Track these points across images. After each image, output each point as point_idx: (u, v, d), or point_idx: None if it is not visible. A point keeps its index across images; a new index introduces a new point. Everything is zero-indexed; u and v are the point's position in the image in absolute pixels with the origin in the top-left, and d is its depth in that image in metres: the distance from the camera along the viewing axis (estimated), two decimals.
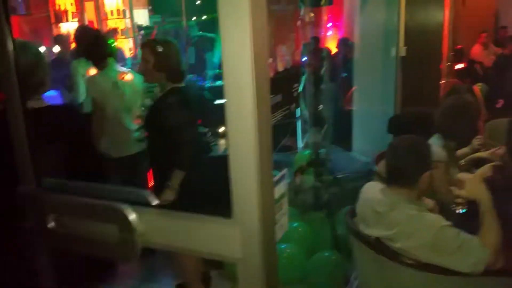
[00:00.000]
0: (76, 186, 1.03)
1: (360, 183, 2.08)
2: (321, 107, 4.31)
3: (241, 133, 0.73)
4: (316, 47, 4.45)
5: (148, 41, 2.70)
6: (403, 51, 3.94)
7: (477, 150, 2.70)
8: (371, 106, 4.37)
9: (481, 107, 5.50)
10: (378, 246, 1.83)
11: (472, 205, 1.83)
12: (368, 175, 2.84)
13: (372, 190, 1.96)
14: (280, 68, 1.79)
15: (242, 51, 0.69)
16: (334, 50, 7.62)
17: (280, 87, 1.86)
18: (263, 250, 0.76)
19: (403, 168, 1.82)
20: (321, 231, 3.08)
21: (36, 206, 1.00)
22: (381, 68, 4.20)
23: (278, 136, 4.46)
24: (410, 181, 1.81)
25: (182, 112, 2.32)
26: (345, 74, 5.49)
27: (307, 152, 3.82)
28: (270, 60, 1.71)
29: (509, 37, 7.63)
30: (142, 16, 7.52)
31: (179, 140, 2.27)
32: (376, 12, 4.13)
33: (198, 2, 6.61)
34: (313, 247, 2.95)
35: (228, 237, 0.79)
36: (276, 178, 0.93)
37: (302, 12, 3.66)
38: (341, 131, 4.91)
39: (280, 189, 0.96)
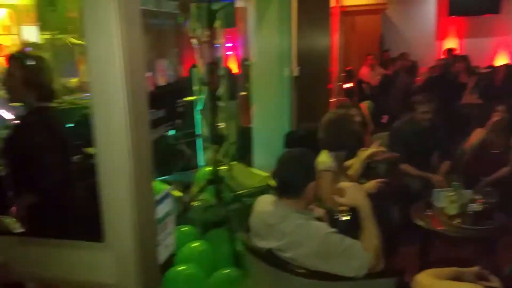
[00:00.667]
0: None
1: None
2: (222, 124, 4.41)
3: (111, 149, 0.72)
4: (214, 67, 4.57)
5: (16, 53, 2.39)
6: (296, 71, 4.23)
7: (360, 161, 3.00)
8: (269, 123, 4.58)
9: (368, 122, 6.13)
10: (269, 257, 1.89)
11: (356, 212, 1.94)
12: (266, 190, 2.93)
13: (264, 203, 2.04)
14: (161, 82, 1.81)
15: (110, 64, 0.67)
16: (235, 69, 7.89)
17: (162, 101, 1.87)
18: (141, 273, 0.73)
19: (290, 180, 1.91)
20: (222, 249, 3.06)
21: None
22: (276, 86, 4.44)
23: (178, 155, 4.45)
24: (297, 191, 1.90)
25: (46, 134, 2.06)
26: (245, 93, 5.68)
27: (207, 169, 3.86)
28: (149, 74, 1.71)
29: (390, 59, 8.64)
30: (30, 33, 6.95)
31: (42, 163, 1.98)
32: (269, 35, 4.37)
33: None
34: (214, 265, 2.93)
35: (101, 263, 0.75)
36: (158, 197, 0.94)
37: (197, 32, 3.78)
38: (242, 148, 5.06)
39: (163, 208, 0.97)
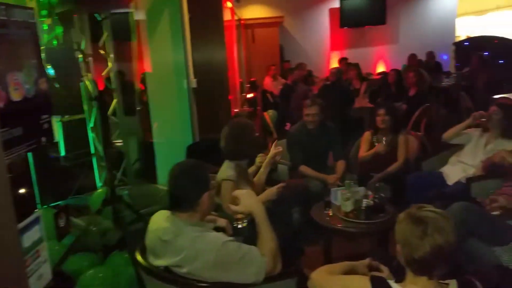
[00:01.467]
0: None
1: None
2: (119, 141, 4.20)
3: None
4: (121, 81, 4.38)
5: None
6: (194, 83, 4.19)
7: (259, 167, 3.03)
8: (171, 137, 4.46)
9: (272, 129, 6.30)
10: (166, 275, 1.81)
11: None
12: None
13: (159, 219, 1.94)
14: (16, 97, 1.63)
15: None
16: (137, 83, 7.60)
17: (18, 119, 1.69)
18: None
19: (181, 193, 1.84)
20: (124, 273, 2.89)
21: None
22: (175, 99, 4.36)
23: (74, 176, 4.13)
24: (190, 204, 1.84)
25: None
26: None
27: (103, 190, 3.63)
28: None
29: (289, 69, 9.03)
30: None
31: None
32: (163, 47, 4.30)
33: None
34: None
35: None
36: (23, 224, 0.83)
37: (82, 45, 3.57)
38: (147, 164, 4.86)
39: (32, 236, 0.85)
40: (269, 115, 6.45)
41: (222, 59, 4.89)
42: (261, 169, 2.91)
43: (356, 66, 7.51)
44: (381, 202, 2.91)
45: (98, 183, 4.26)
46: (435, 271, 1.43)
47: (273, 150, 2.92)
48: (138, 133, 5.12)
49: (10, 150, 1.64)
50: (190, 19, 4.26)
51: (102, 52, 4.09)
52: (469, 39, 10.71)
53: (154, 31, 4.40)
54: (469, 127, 3.51)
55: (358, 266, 1.81)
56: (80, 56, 3.75)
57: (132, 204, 3.48)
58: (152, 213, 3.06)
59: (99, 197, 3.59)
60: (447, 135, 3.58)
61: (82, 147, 4.13)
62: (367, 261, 1.82)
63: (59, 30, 3.32)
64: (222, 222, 2.42)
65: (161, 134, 4.55)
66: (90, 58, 3.79)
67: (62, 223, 2.61)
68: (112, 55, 4.06)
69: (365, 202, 2.88)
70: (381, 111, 3.80)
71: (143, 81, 7.16)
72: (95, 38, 3.94)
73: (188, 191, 1.84)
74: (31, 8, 1.95)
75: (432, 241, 1.38)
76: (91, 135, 4.10)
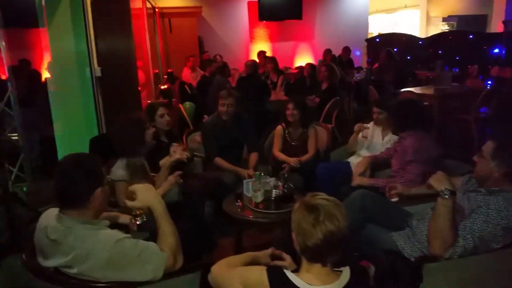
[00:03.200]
0: None
1: None
2: (14, 135, 3.82)
3: None
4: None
5: None
6: (98, 71, 3.93)
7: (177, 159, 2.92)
8: (74, 129, 4.15)
9: (188, 121, 6.16)
10: (56, 277, 1.68)
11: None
12: None
13: (48, 217, 1.78)
14: None
15: None
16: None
17: None
18: None
19: (71, 188, 1.69)
20: (20, 276, 2.66)
21: None
22: (79, 89, 4.05)
23: None
24: (82, 200, 1.70)
25: None
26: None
27: None
28: None
29: (208, 61, 8.91)
30: None
31: None
32: (64, 34, 3.97)
33: None
34: None
35: None
36: None
37: None
38: (48, 159, 4.48)
39: None
40: (185, 107, 6.31)
41: (129, 48, 4.66)
42: (161, 171, 2.78)
43: (273, 59, 7.64)
44: (290, 192, 2.97)
45: None
46: (328, 257, 1.46)
47: (175, 155, 2.82)
48: (39, 126, 4.70)
49: None
50: (93, 4, 3.98)
51: None
52: (380, 36, 11.50)
53: (53, 16, 4.05)
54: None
55: (260, 256, 1.81)
56: None
57: (29, 202, 3.19)
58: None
59: None
60: (349, 147, 3.78)
61: None
62: (269, 250, 1.83)
63: None
64: (125, 218, 2.31)
65: (63, 127, 4.21)
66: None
67: None
68: (2, 42, 3.66)
69: (274, 193, 2.92)
70: (290, 105, 3.89)
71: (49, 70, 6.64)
72: None
73: (79, 186, 1.69)
74: None
75: (324, 228, 1.41)
76: None
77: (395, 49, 8.31)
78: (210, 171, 3.71)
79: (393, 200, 2.63)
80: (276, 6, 9.81)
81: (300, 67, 9.12)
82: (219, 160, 3.69)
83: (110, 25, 4.20)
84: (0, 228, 3.00)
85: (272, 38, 10.67)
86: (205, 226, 3.00)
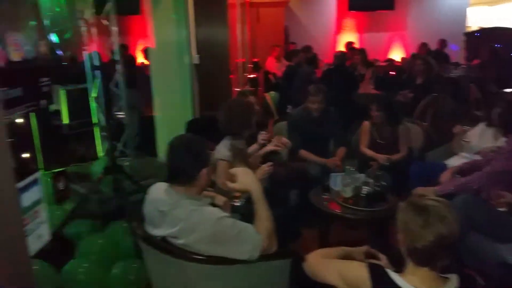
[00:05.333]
0: None
1: None
2: (121, 113, 4.18)
3: None
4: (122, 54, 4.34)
5: None
6: (196, 59, 4.16)
7: (263, 145, 3.03)
8: (171, 112, 4.44)
9: (272, 111, 6.26)
10: (163, 245, 1.83)
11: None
12: None
13: (157, 190, 1.95)
14: (16, 57, 1.62)
15: None
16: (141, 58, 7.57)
17: (18, 79, 1.69)
18: (8, 264, 0.65)
19: (181, 166, 1.84)
20: (123, 241, 2.97)
21: None
22: (177, 74, 4.33)
23: (76, 145, 4.14)
24: (188, 178, 1.84)
25: None
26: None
27: (104, 160, 3.64)
28: None
29: (294, 51, 8.91)
30: None
31: None
32: (167, 22, 4.25)
33: None
34: (115, 257, 2.83)
35: None
36: (22, 184, 0.83)
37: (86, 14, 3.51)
38: (146, 138, 4.86)
39: (31, 196, 0.86)
40: (270, 96, 6.41)
41: (224, 37, 4.84)
42: (252, 158, 2.88)
43: (362, 51, 7.41)
44: (382, 190, 2.90)
45: (100, 153, 4.27)
46: (437, 261, 1.41)
47: (270, 145, 2.90)
48: (139, 107, 5.10)
49: (10, 110, 1.64)
50: None
51: (105, 23, 4.02)
52: (481, 30, 10.52)
53: (158, 6, 4.35)
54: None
55: (354, 252, 1.81)
56: (84, 25, 3.69)
57: (132, 175, 3.49)
58: (152, 185, 3.10)
59: (100, 166, 3.60)
60: (453, 149, 3.51)
61: (84, 117, 4.13)
62: (364, 248, 1.82)
63: None
64: (220, 199, 2.43)
65: (162, 108, 4.53)
66: (94, 28, 3.73)
67: (61, 186, 2.63)
68: (115, 27, 4.01)
69: (365, 189, 2.88)
70: (373, 107, 3.77)
71: (145, 55, 7.14)
72: (99, 10, 3.86)
73: (187, 165, 1.84)
74: None
75: (435, 230, 1.36)
76: (93, 105, 4.08)
77: (498, 45, 7.62)
78: (295, 161, 3.76)
79: (501, 209, 2.44)
80: None
81: (390, 60, 8.75)
82: (304, 153, 3.71)
83: (209, 14, 4.40)
84: (108, 197, 3.33)
85: (361, 29, 10.33)
86: (290, 215, 3.05)
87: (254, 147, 3.02)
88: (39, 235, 0.84)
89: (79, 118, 4.33)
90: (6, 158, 0.71)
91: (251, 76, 7.19)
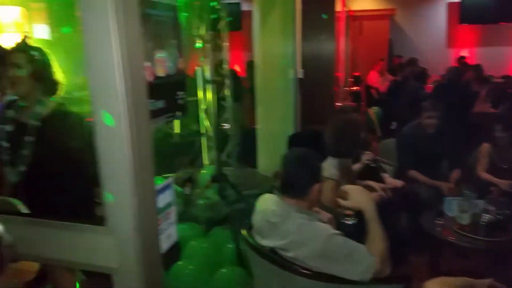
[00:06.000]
0: None
1: None
2: (226, 125, 4.37)
3: (111, 136, 0.68)
4: (219, 68, 4.56)
5: (22, 44, 2.23)
6: (300, 73, 4.18)
7: (367, 165, 2.93)
8: (273, 125, 4.52)
9: (376, 127, 6.03)
10: (272, 256, 1.84)
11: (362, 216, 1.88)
12: (270, 190, 2.90)
13: (267, 201, 1.99)
14: (161, 73, 1.78)
15: (107, 51, 0.64)
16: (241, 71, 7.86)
17: (161, 93, 1.85)
18: (143, 259, 0.71)
19: (294, 179, 1.86)
20: (225, 247, 3.06)
21: None
22: (281, 88, 4.40)
23: (185, 152, 4.41)
24: (301, 192, 1.85)
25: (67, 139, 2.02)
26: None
27: (211, 167, 3.82)
28: (148, 64, 1.70)
29: (400, 65, 8.54)
30: (42, 31, 7.07)
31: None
32: (273, 37, 4.35)
33: None
34: (217, 263, 2.91)
35: (103, 247, 0.74)
36: (159, 187, 0.90)
37: (201, 31, 3.77)
38: (247, 149, 5.00)
39: (165, 198, 0.93)
40: (373, 111, 6.19)
41: (331, 51, 4.82)
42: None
43: (477, 67, 6.82)
44: (504, 219, 2.62)
45: (205, 161, 4.49)
46: None
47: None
48: (242, 119, 5.27)
49: (155, 120, 1.81)
50: (303, 9, 4.25)
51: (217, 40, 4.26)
52: None
53: (265, 21, 4.49)
54: None
55: (477, 285, 1.64)
56: (200, 42, 3.95)
57: (236, 185, 3.61)
58: (253, 196, 3.15)
59: (208, 174, 3.78)
60: None
61: (194, 127, 4.39)
62: (488, 281, 1.65)
63: (182, 16, 3.52)
64: (324, 216, 2.39)
65: (264, 121, 4.63)
66: (208, 45, 3.98)
67: (187, 191, 2.80)
68: (227, 43, 4.22)
69: (485, 217, 2.62)
70: (498, 127, 3.40)
71: (246, 69, 7.39)
72: (213, 27, 4.11)
73: (301, 179, 1.85)
74: None
75: None
76: (202, 116, 4.32)
77: None
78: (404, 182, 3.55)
79: None
80: (483, 7, 8.71)
81: (508, 76, 7.91)
82: (414, 173, 3.49)
83: (316, 29, 4.42)
84: (213, 203, 3.48)
85: (475, 43, 9.53)
86: (398, 239, 2.88)
87: (357, 166, 2.93)
88: (168, 235, 0.90)
89: (188, 127, 4.60)
90: (150, 162, 0.76)
91: (353, 90, 7.04)
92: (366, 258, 1.72)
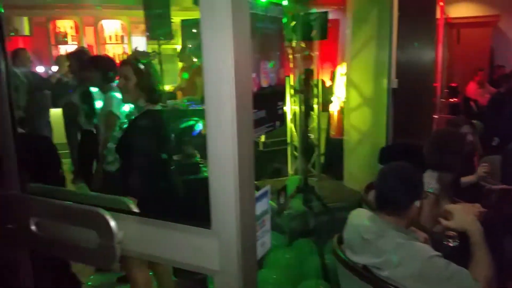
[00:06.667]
0: (59, 192, 1.02)
1: (350, 212, 2.03)
2: (312, 135, 4.36)
3: (221, 141, 0.72)
4: (308, 77, 4.56)
5: (130, 58, 2.63)
6: (395, 83, 4.02)
7: (483, 178, 2.71)
8: (362, 136, 4.39)
9: (476, 143, 5.58)
10: (364, 274, 1.78)
11: (464, 238, 1.77)
12: (358, 204, 2.82)
13: (360, 216, 1.92)
14: (264, 84, 1.83)
15: (223, 62, 0.69)
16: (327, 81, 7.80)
17: (264, 103, 1.91)
18: (242, 263, 0.74)
19: (393, 195, 1.78)
20: (309, 259, 3.04)
21: (19, 209, 0.98)
22: (372, 99, 4.26)
23: (269, 161, 4.48)
24: (400, 208, 1.77)
25: (151, 137, 2.24)
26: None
27: (297, 178, 3.82)
28: (254, 74, 1.76)
29: (504, 76, 7.80)
30: (139, 42, 7.79)
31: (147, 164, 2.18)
32: (366, 46, 4.25)
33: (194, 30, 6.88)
34: (300, 274, 2.90)
35: (206, 248, 0.78)
36: (257, 194, 0.92)
37: (294, 44, 3.81)
38: (331, 160, 4.92)
39: (262, 206, 0.95)
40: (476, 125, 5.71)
41: (430, 60, 4.53)
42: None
43: None
44: None
45: (290, 171, 4.52)
46: None
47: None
48: (328, 129, 5.21)
49: (257, 129, 1.88)
50: (400, 17, 4.09)
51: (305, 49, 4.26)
52: None
53: (358, 30, 4.41)
54: None
55: None
56: (290, 52, 4.00)
57: (321, 197, 3.57)
58: (339, 209, 3.09)
59: (293, 183, 3.79)
60: None
61: (279, 136, 4.44)
62: None
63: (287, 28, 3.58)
64: (421, 235, 2.26)
65: (352, 132, 4.53)
66: (298, 54, 4.01)
67: (282, 200, 2.85)
68: (316, 52, 4.22)
69: None
70: None
71: (333, 78, 7.30)
72: (305, 36, 4.11)
73: (400, 195, 1.77)
74: (280, 5, 2.17)
75: None
76: (289, 125, 4.36)
77: None
78: (509, 204, 3.23)
79: None
80: None
81: None
82: None
83: (414, 36, 4.22)
84: (298, 214, 3.47)
85: None
86: (504, 265, 2.63)
87: (469, 178, 2.73)
88: (263, 243, 0.91)
89: (274, 137, 4.67)
90: (252, 169, 0.78)
91: (452, 101, 6.59)
92: (469, 284, 1.60)
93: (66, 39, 7.60)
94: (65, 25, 7.60)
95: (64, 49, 7.49)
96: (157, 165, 2.30)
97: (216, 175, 0.74)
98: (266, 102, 2.00)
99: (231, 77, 0.68)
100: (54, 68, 5.58)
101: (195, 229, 0.79)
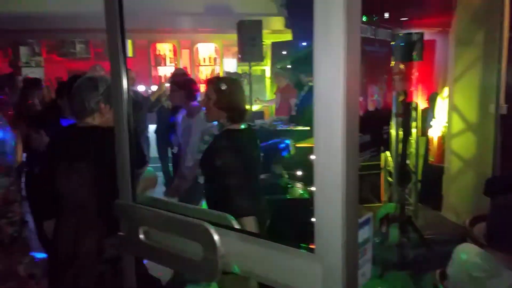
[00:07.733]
0: (166, 204, 1.08)
1: (451, 245, 1.88)
2: (409, 161, 4.11)
3: (328, 166, 0.71)
4: (404, 100, 4.34)
5: (212, 78, 2.64)
6: (504, 109, 3.66)
7: None
8: (465, 164, 4.05)
9: None
10: None
11: None
12: (461, 238, 2.59)
13: (468, 252, 1.75)
14: (371, 107, 1.77)
15: (333, 86, 0.68)
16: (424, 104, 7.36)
17: (369, 127, 1.83)
18: None
19: (508, 231, 1.62)
20: None
21: (130, 218, 1.06)
22: (477, 124, 3.93)
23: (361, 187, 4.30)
24: None
25: (232, 157, 2.17)
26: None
27: (392, 205, 3.60)
28: (361, 98, 1.70)
29: None
30: (231, 64, 8.18)
31: (228, 185, 2.13)
32: (471, 69, 3.96)
33: (283, 52, 7.05)
34: None
35: (309, 272, 0.76)
36: (360, 221, 0.88)
37: (393, 65, 3.67)
38: (429, 188, 4.58)
39: (364, 233, 0.90)
40: None
41: None
42: None
43: None
44: None
45: (383, 198, 4.31)
46: None
47: None
48: (426, 155, 4.89)
49: (361, 154, 1.83)
50: (510, 38, 3.75)
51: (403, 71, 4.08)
52: None
53: (462, 51, 4.16)
54: None
55: None
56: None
57: (418, 227, 3.33)
58: (439, 242, 2.85)
59: (386, 210, 3.59)
60: None
61: (373, 160, 4.26)
62: None
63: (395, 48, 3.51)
64: None
65: (454, 159, 4.20)
66: (396, 77, 3.85)
67: (384, 229, 2.75)
68: (416, 74, 4.03)
69: None
70: None
71: (430, 101, 6.87)
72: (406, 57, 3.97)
73: None
74: (390, 29, 2.13)
75: None
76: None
77: None
78: None
79: None
80: None
81: None
82: None
83: None
84: (392, 244, 3.27)
85: None
86: None
87: None
88: (363, 273, 0.85)
89: (368, 161, 4.50)
90: (357, 195, 0.75)
91: None
92: None
93: (164, 61, 8.21)
94: (164, 47, 8.23)
95: (162, 71, 8.13)
96: (234, 183, 2.18)
97: (322, 200, 0.73)
98: (372, 126, 1.94)
99: (341, 102, 0.68)
100: (154, 88, 6.07)
101: (297, 252, 0.78)
